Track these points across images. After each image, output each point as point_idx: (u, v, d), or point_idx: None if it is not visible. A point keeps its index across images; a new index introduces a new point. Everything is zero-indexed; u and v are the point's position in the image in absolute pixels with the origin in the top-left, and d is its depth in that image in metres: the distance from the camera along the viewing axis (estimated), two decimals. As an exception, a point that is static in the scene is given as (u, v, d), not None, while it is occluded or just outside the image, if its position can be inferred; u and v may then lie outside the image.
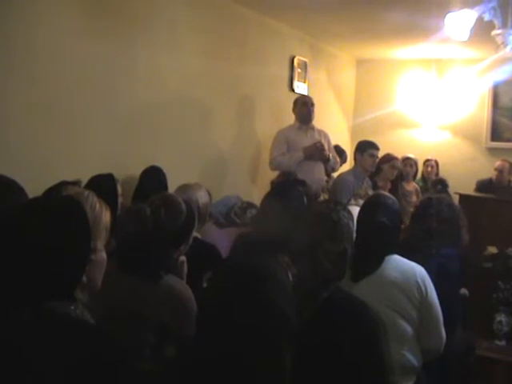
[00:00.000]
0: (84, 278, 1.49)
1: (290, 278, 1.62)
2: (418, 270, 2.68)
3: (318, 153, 5.29)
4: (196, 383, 1.38)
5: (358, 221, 2.82)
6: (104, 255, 1.62)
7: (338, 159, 5.72)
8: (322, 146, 5.33)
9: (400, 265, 2.69)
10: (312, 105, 5.44)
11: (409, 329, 2.63)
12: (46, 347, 1.33)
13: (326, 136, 5.57)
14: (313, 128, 5.50)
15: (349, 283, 2.48)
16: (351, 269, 2.45)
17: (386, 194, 3.17)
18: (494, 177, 6.32)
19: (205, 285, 2.70)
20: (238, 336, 1.36)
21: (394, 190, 5.52)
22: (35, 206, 1.51)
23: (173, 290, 2.30)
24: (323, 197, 5.19)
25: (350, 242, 2.14)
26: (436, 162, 6.74)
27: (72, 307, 1.44)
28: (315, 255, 2.04)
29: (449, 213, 3.46)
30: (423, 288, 2.64)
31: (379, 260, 2.68)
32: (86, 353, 1.34)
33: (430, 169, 6.69)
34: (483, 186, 6.14)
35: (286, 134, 5.35)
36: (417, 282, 2.63)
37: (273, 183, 4.79)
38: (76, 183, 2.71)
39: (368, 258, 2.64)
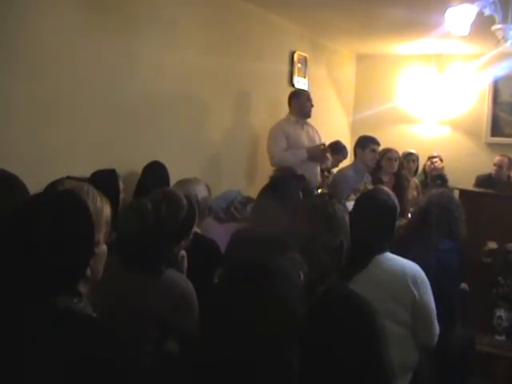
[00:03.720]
0: (88, 271, 1.50)
1: (302, 277, 1.61)
2: (409, 271, 2.61)
3: (321, 155, 5.25)
4: (201, 379, 1.38)
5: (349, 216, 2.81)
6: (105, 248, 1.64)
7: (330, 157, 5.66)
8: (326, 148, 5.29)
9: (390, 265, 2.63)
10: (312, 101, 5.42)
11: (401, 331, 2.59)
12: (48, 342, 1.34)
13: (317, 132, 5.53)
14: (307, 123, 5.45)
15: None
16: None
17: (383, 188, 3.12)
18: (493, 172, 6.32)
19: (216, 280, 2.71)
20: (247, 336, 1.36)
21: (396, 185, 5.52)
22: (38, 203, 1.52)
23: (174, 285, 2.31)
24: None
25: (345, 235, 2.14)
26: (441, 159, 6.69)
27: (75, 300, 1.45)
28: (312, 249, 2.04)
29: (448, 206, 3.46)
30: (415, 291, 2.58)
31: (367, 260, 2.62)
32: (87, 348, 1.35)
33: (433, 166, 6.64)
34: (483, 181, 6.13)
35: (284, 129, 5.23)
36: (407, 285, 2.57)
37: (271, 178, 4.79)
38: (81, 180, 2.70)
39: (357, 255, 2.57)
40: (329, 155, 5.42)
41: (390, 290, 2.56)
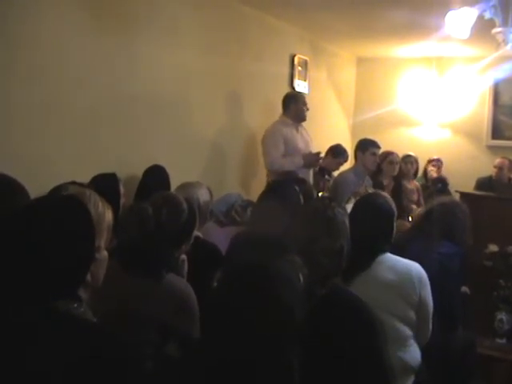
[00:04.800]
0: (88, 277, 1.50)
1: (301, 280, 1.61)
2: (414, 270, 2.67)
3: (316, 164, 5.24)
4: (201, 382, 1.38)
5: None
6: (106, 254, 1.64)
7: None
8: (321, 157, 5.27)
9: (395, 265, 2.67)
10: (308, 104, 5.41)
11: (407, 330, 2.63)
12: (48, 346, 1.34)
13: (308, 133, 5.53)
14: (301, 125, 5.41)
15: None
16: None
17: (380, 193, 3.17)
18: (493, 174, 6.33)
19: (215, 284, 2.72)
20: (247, 338, 1.36)
21: (396, 188, 5.55)
22: (39, 207, 1.52)
23: (175, 289, 2.31)
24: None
25: (345, 238, 2.15)
26: (441, 162, 6.70)
27: (75, 305, 1.45)
28: (312, 252, 2.04)
29: (452, 209, 3.47)
30: (420, 290, 2.64)
31: (369, 261, 2.66)
32: (87, 352, 1.35)
33: (437, 169, 6.65)
34: (483, 183, 6.15)
35: (282, 133, 5.17)
36: (413, 283, 2.63)
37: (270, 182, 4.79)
38: (85, 185, 2.70)
39: (357, 260, 2.56)
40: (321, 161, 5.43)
41: (398, 289, 2.61)
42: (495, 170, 6.33)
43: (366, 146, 5.31)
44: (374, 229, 2.71)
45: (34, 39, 3.43)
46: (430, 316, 2.74)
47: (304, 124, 5.45)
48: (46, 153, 3.49)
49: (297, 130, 5.31)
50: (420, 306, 2.65)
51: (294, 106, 5.29)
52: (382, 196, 2.99)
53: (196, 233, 2.79)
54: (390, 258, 2.71)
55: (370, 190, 4.57)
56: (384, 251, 2.71)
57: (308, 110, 5.32)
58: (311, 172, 5.33)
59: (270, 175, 5.10)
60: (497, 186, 5.85)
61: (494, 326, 4.28)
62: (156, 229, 2.36)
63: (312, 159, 5.16)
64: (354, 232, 2.58)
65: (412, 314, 2.63)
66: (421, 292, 2.64)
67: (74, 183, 2.64)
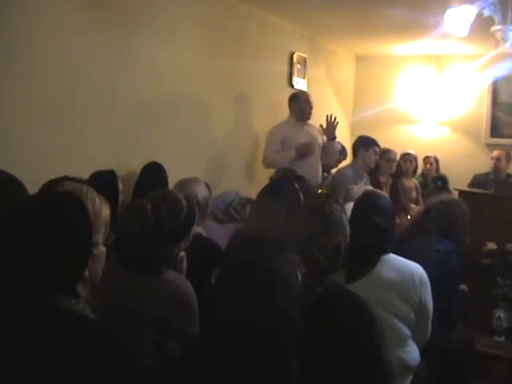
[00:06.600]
0: (86, 272, 1.50)
1: (300, 278, 1.61)
2: (415, 271, 2.67)
3: (308, 148, 5.22)
4: (200, 381, 1.38)
5: (350, 221, 2.82)
6: (104, 249, 1.63)
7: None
8: (311, 143, 5.27)
9: (397, 265, 2.67)
10: (312, 103, 5.43)
11: (406, 330, 2.63)
12: (47, 344, 1.33)
13: (320, 131, 5.55)
14: (308, 124, 5.44)
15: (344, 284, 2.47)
16: (345, 269, 2.42)
17: (378, 191, 3.17)
18: (491, 165, 6.33)
19: (213, 281, 2.71)
20: (245, 338, 1.36)
21: (394, 185, 5.55)
22: (36, 203, 1.52)
23: (173, 285, 2.31)
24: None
25: (343, 234, 2.14)
26: (436, 159, 6.73)
27: (74, 301, 1.44)
28: (310, 250, 2.04)
29: (451, 207, 3.47)
30: (421, 291, 2.64)
31: (373, 261, 2.66)
32: (86, 350, 1.34)
33: (429, 165, 6.69)
34: (479, 180, 6.16)
35: (281, 131, 5.24)
36: (414, 284, 2.63)
37: (271, 180, 4.78)
38: (80, 181, 2.69)
39: (362, 260, 2.61)
40: (319, 140, 5.42)
41: (399, 289, 2.61)
42: (493, 161, 6.33)
43: (369, 143, 5.31)
44: (377, 229, 2.71)
45: (33, 38, 3.42)
46: (430, 317, 2.74)
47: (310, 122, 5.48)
48: (45, 150, 3.49)
49: (301, 128, 5.35)
50: (420, 308, 2.65)
51: (296, 105, 5.36)
52: (381, 195, 2.99)
53: (197, 229, 2.78)
54: (393, 258, 2.70)
55: (369, 187, 4.57)
56: (387, 251, 2.71)
57: (312, 108, 5.34)
58: (320, 166, 5.33)
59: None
60: (493, 180, 5.87)
61: (492, 323, 4.29)
62: (155, 226, 2.35)
63: (303, 149, 5.18)
64: (356, 233, 2.60)
65: (412, 315, 2.63)
66: (421, 293, 2.63)
67: (66, 178, 2.64)
